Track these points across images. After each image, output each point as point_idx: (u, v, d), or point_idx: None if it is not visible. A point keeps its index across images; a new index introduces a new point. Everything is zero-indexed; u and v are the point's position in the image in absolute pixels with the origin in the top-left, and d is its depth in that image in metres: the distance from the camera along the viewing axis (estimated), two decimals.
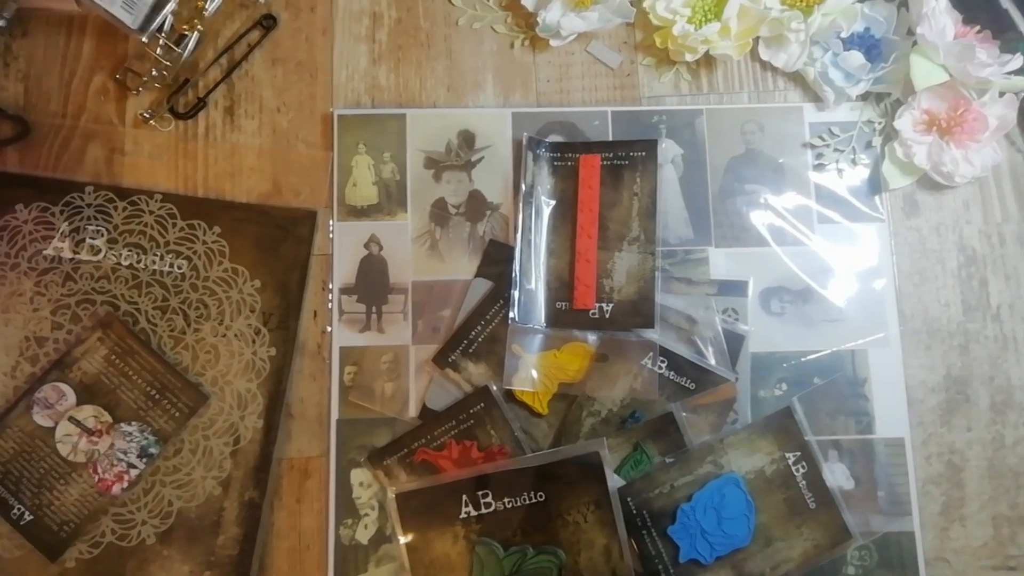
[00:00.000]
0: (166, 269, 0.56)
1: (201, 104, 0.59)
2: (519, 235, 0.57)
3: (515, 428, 0.53)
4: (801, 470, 0.53)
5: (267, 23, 0.60)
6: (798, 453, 0.53)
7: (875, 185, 0.60)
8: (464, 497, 0.39)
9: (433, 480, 0.43)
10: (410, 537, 0.37)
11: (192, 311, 0.56)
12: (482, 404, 0.54)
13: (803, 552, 0.52)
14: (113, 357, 0.55)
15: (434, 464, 0.53)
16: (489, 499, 0.39)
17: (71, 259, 0.56)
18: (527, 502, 0.39)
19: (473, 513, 0.39)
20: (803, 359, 0.57)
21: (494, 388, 0.55)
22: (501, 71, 0.61)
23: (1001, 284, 0.59)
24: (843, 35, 0.60)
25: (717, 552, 0.52)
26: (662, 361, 0.55)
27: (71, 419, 0.54)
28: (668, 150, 0.59)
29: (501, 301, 0.56)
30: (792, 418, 0.54)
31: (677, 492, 0.53)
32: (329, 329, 0.56)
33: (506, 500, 0.39)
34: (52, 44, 0.60)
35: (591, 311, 0.56)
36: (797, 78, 0.61)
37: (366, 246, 0.58)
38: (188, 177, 0.58)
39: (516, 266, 0.56)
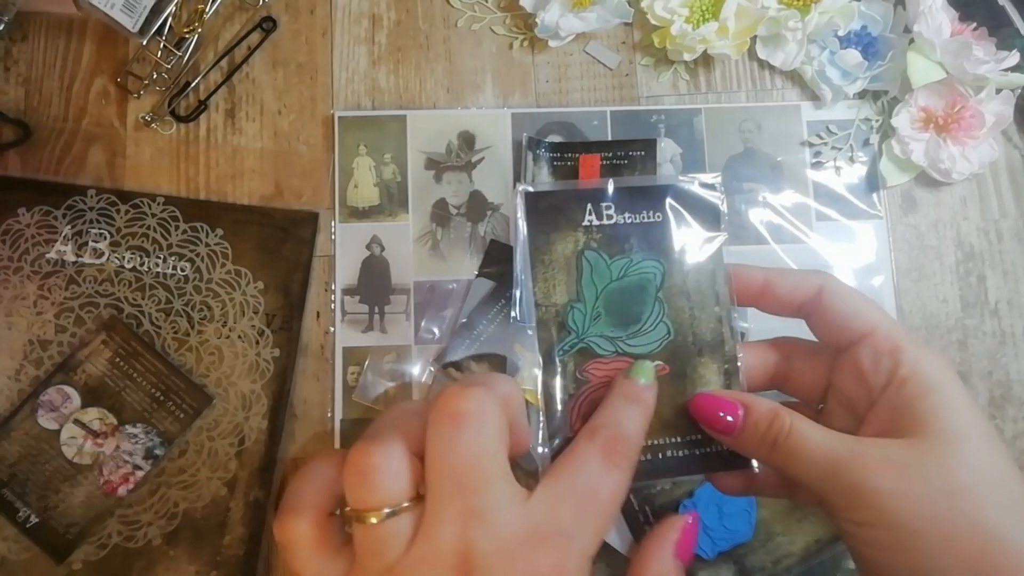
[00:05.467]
0: (169, 271, 0.57)
1: (202, 107, 0.60)
2: None
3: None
4: None
5: (267, 26, 0.61)
6: None
7: (873, 182, 0.60)
8: (588, 206, 0.42)
9: (560, 185, 0.46)
10: (534, 235, 0.42)
11: (196, 313, 0.56)
12: None
13: (804, 546, 0.53)
14: (117, 360, 0.55)
15: None
16: (612, 211, 0.42)
17: (74, 262, 0.57)
18: (646, 220, 0.42)
19: (596, 222, 0.42)
20: None
21: None
22: (500, 72, 0.61)
23: (999, 280, 0.59)
24: (840, 33, 0.60)
25: (719, 547, 0.53)
26: None
27: (76, 422, 0.54)
28: (667, 149, 0.60)
29: (503, 300, 0.56)
30: None
31: (678, 488, 0.54)
32: (332, 330, 0.57)
33: (627, 215, 0.42)
34: (52, 48, 0.61)
35: None
36: (795, 77, 0.61)
37: (368, 247, 0.58)
38: (190, 180, 0.59)
39: (516, 264, 0.56)
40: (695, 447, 0.41)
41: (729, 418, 0.39)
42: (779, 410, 0.38)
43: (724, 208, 0.43)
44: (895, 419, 0.36)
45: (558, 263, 0.42)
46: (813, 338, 0.43)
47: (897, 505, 0.34)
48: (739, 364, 0.42)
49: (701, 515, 0.53)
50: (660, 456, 0.41)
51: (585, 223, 0.42)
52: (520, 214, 0.43)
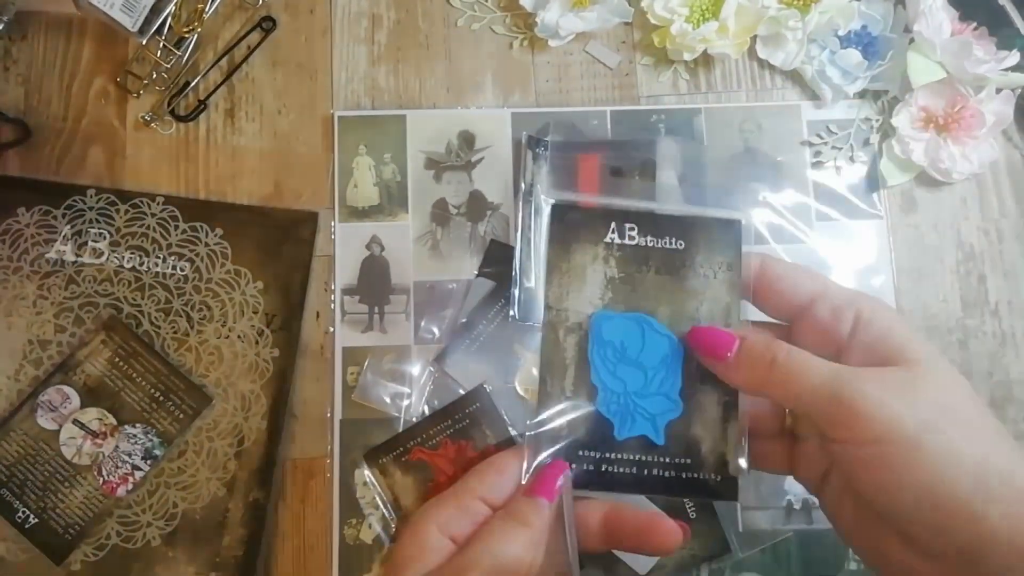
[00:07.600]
0: (168, 271, 0.57)
1: (202, 107, 0.59)
2: (519, 233, 0.57)
3: (510, 428, 0.54)
4: None
5: (266, 25, 0.61)
6: None
7: (873, 182, 0.60)
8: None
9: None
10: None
11: (195, 313, 0.56)
12: (477, 404, 0.54)
13: None
14: (117, 360, 0.55)
15: (430, 463, 0.54)
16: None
17: (74, 262, 0.56)
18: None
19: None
20: None
21: (489, 388, 0.55)
22: (500, 72, 0.61)
23: (1000, 280, 0.59)
24: (840, 33, 0.60)
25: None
26: None
27: (75, 422, 0.54)
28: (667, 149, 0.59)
29: (503, 300, 0.56)
30: None
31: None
32: (332, 330, 0.57)
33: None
34: (52, 47, 0.60)
35: None
36: (795, 76, 0.61)
37: (368, 247, 0.58)
38: (189, 180, 0.59)
39: (516, 264, 0.56)
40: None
41: (727, 349, 0.41)
42: (774, 339, 0.40)
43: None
44: (872, 355, 0.38)
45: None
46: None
47: (901, 417, 0.35)
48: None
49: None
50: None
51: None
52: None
